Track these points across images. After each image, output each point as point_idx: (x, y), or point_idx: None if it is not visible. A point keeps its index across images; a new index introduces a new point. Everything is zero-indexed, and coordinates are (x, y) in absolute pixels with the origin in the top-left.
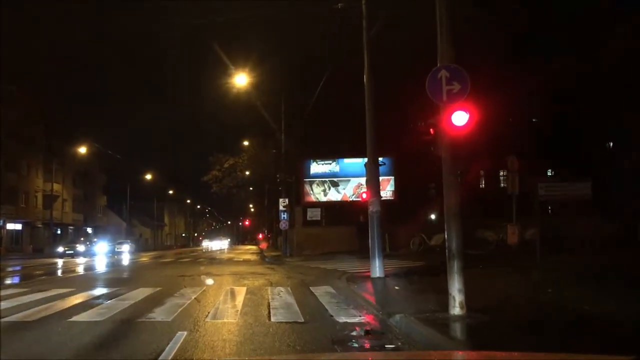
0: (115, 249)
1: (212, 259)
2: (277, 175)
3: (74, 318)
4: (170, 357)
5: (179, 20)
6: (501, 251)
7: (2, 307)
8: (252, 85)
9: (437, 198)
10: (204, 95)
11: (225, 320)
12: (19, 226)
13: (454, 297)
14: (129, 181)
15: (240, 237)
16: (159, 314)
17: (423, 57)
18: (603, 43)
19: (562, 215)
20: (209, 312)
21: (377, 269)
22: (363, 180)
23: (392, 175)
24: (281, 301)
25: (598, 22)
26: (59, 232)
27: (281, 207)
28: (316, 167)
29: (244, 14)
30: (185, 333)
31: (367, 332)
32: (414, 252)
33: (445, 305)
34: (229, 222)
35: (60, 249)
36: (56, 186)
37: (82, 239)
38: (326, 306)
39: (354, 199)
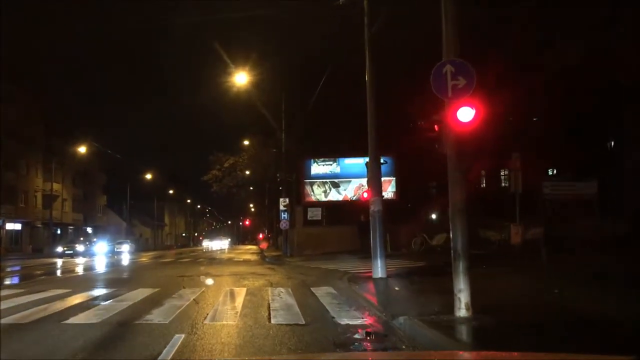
0: (115, 249)
1: (212, 259)
2: (278, 175)
3: (70, 320)
4: None
5: (179, 19)
6: (504, 251)
7: None
8: (252, 84)
9: (438, 198)
10: (204, 95)
11: (224, 322)
12: (18, 226)
13: (459, 299)
14: (129, 181)
15: (240, 237)
16: (156, 316)
17: (424, 56)
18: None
19: (563, 215)
20: (207, 314)
21: (379, 269)
22: (364, 181)
23: (394, 177)
24: (282, 302)
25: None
26: (58, 232)
27: (281, 207)
28: (317, 168)
29: (244, 13)
30: (183, 336)
31: (370, 335)
32: (416, 252)
33: (450, 306)
34: (229, 222)
35: (60, 249)
36: (56, 186)
37: (81, 238)
38: (327, 307)
39: (355, 199)
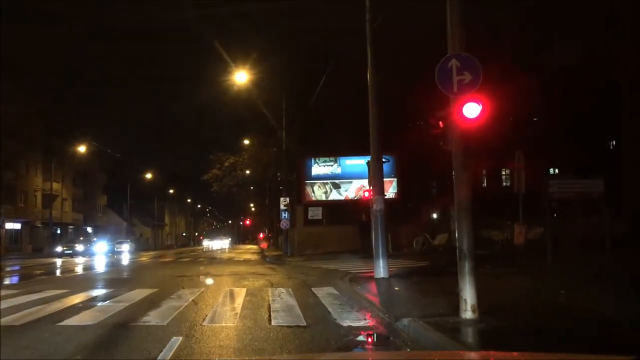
0: (115, 249)
1: (212, 259)
2: (278, 174)
3: (64, 322)
4: None
5: (179, 18)
6: (507, 251)
7: None
8: (252, 83)
9: (439, 197)
10: (204, 94)
11: (223, 324)
12: (18, 226)
13: (465, 300)
14: (129, 180)
15: (241, 237)
16: (154, 318)
17: (427, 54)
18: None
19: (566, 214)
20: (206, 315)
21: (381, 269)
22: (365, 182)
23: (395, 177)
24: (282, 303)
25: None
26: (58, 231)
27: (282, 206)
28: (317, 169)
29: (244, 12)
30: (181, 338)
31: (373, 337)
32: (417, 252)
33: (454, 307)
34: (230, 222)
35: (59, 249)
36: (55, 185)
37: (81, 238)
38: (329, 308)
39: (357, 199)
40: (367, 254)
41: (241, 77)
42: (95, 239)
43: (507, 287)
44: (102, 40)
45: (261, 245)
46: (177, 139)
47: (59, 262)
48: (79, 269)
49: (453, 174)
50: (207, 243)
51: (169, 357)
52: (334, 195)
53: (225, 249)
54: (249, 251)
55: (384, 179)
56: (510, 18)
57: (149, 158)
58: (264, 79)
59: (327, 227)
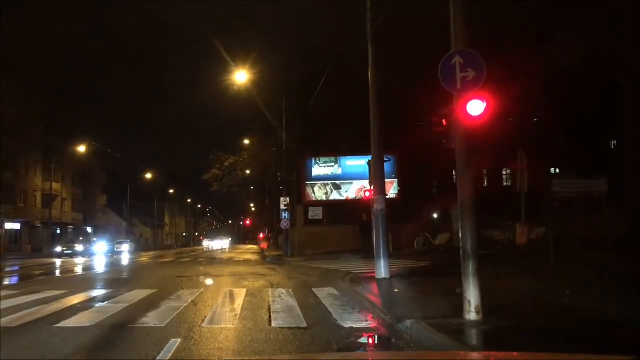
0: (115, 249)
1: (212, 259)
2: (278, 174)
3: (61, 324)
4: None
5: (179, 16)
6: (509, 251)
7: None
8: (252, 82)
9: (440, 197)
10: (204, 94)
11: (222, 325)
12: (17, 226)
13: (469, 301)
14: (129, 180)
15: (241, 237)
16: (152, 319)
17: (426, 55)
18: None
19: (567, 214)
20: (205, 317)
21: (382, 270)
22: (366, 183)
23: (396, 178)
24: (282, 304)
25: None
26: (58, 231)
27: (282, 206)
28: (318, 169)
29: (244, 10)
30: (179, 340)
31: (375, 339)
32: (419, 252)
33: (457, 308)
34: (230, 222)
35: (59, 249)
36: (55, 185)
37: (81, 238)
38: (330, 309)
39: (358, 199)
40: (368, 254)
41: (241, 76)
42: (95, 239)
43: (510, 287)
44: (102, 40)
45: (261, 246)
46: (177, 139)
47: (58, 262)
48: (78, 270)
49: (454, 173)
50: (207, 243)
51: (167, 359)
52: (335, 197)
53: (225, 249)
54: (249, 251)
55: (385, 180)
56: (512, 18)
57: (149, 158)
58: (264, 79)
59: (328, 227)
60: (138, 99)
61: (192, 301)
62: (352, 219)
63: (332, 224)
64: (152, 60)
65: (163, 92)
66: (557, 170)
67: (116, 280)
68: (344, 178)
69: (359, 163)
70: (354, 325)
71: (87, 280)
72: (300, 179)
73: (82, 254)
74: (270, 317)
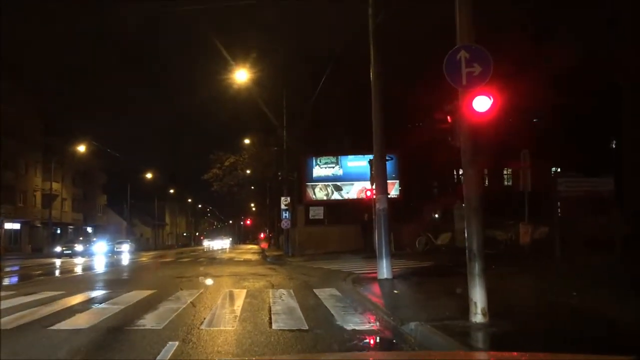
0: (115, 249)
1: (212, 259)
2: (279, 173)
3: (56, 326)
4: None
5: (178, 14)
6: (512, 251)
7: None
8: (253, 81)
9: (440, 197)
10: (204, 94)
11: (222, 327)
12: (17, 226)
13: (475, 303)
14: (130, 180)
15: (241, 237)
16: (149, 321)
17: (426, 55)
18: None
19: (570, 214)
20: (204, 318)
21: (384, 270)
22: (367, 184)
23: (397, 179)
24: (283, 305)
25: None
26: (58, 231)
27: (283, 206)
28: (319, 170)
29: (245, 8)
30: (177, 344)
31: (378, 342)
32: (420, 252)
33: (462, 310)
34: (231, 222)
35: (58, 249)
36: (55, 185)
37: (81, 238)
38: (332, 311)
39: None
40: (369, 254)
41: (241, 75)
42: (95, 239)
43: (516, 288)
44: (102, 40)
45: (262, 245)
46: (177, 139)
47: (57, 262)
48: (77, 270)
49: (454, 172)
50: (207, 243)
51: None
52: (336, 198)
53: (226, 249)
54: (249, 251)
55: (387, 181)
56: (510, 20)
57: (149, 157)
58: (265, 78)
59: (329, 226)
60: (138, 98)
61: (191, 302)
62: (353, 218)
63: (333, 223)
64: (152, 60)
65: (163, 92)
66: (558, 171)
67: (115, 280)
68: (345, 179)
69: (360, 164)
70: (357, 328)
71: (85, 281)
72: (301, 178)
73: (82, 254)
74: (270, 318)
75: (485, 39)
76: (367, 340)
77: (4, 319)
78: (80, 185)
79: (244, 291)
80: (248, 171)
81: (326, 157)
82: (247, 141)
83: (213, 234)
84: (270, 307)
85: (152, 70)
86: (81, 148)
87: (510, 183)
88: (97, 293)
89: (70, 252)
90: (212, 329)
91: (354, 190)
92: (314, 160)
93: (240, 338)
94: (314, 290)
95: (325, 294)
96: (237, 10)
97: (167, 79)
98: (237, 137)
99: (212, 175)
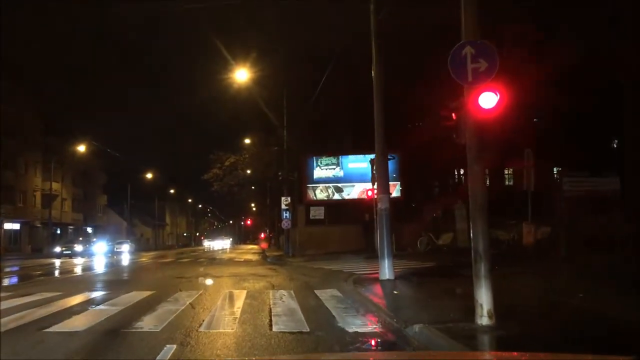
0: (115, 249)
1: (212, 259)
2: (279, 173)
3: (51, 328)
4: None
5: (178, 14)
6: (515, 251)
7: None
8: (253, 80)
9: (441, 197)
10: (204, 94)
11: (221, 330)
12: (17, 226)
13: (481, 305)
14: (130, 180)
15: (242, 237)
16: (147, 323)
17: (426, 55)
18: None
19: (570, 212)
20: (203, 320)
21: (386, 270)
22: (368, 185)
23: (398, 180)
24: (284, 307)
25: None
26: (58, 231)
27: (283, 206)
28: (319, 172)
29: (245, 7)
30: (174, 347)
31: (381, 345)
32: (422, 252)
33: (467, 311)
34: (231, 222)
35: (58, 249)
36: (55, 185)
37: (80, 238)
38: (333, 312)
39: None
40: (370, 254)
41: (241, 75)
42: (95, 239)
43: (520, 288)
44: (102, 40)
45: (261, 246)
46: (177, 139)
47: (56, 262)
48: (77, 270)
49: (455, 172)
50: (208, 243)
51: None
52: (336, 199)
53: (226, 249)
54: (250, 251)
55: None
56: (511, 17)
57: (149, 158)
58: (265, 77)
59: (330, 226)
60: (138, 98)
61: (190, 304)
62: (354, 218)
63: (334, 223)
64: (152, 60)
65: (163, 92)
66: (560, 170)
67: (114, 281)
68: (346, 180)
69: (360, 165)
70: (359, 330)
71: (83, 282)
72: (301, 178)
73: (82, 254)
74: (271, 320)
75: (486, 37)
76: (370, 343)
77: None
78: (80, 185)
79: (244, 292)
80: (248, 171)
81: (327, 158)
82: (247, 141)
83: (213, 234)
84: (270, 309)
85: (152, 70)
86: (81, 148)
87: (511, 183)
88: (95, 294)
89: (69, 252)
90: (211, 331)
91: (354, 192)
92: (314, 161)
93: (239, 341)
94: (315, 291)
95: (327, 295)
96: (237, 10)
97: (167, 79)
98: (237, 137)
99: (212, 175)
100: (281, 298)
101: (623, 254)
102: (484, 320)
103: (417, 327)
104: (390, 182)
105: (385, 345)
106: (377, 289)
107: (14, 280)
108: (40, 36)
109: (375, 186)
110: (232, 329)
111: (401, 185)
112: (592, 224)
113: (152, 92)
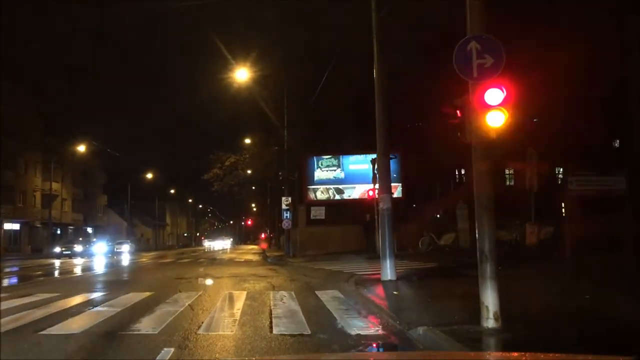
0: (115, 249)
1: (212, 260)
2: (280, 173)
3: (47, 330)
4: None
5: (178, 14)
6: (517, 252)
7: None
8: (253, 80)
9: (442, 197)
10: (204, 94)
11: (220, 332)
12: (16, 226)
13: (487, 307)
14: (130, 180)
15: (242, 237)
16: (145, 325)
17: (426, 55)
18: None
19: (573, 212)
20: (202, 322)
21: (388, 271)
22: (369, 186)
23: (400, 182)
24: (284, 308)
25: None
26: (58, 232)
27: (284, 206)
28: (320, 173)
29: (245, 6)
30: (172, 350)
31: (384, 348)
32: (423, 252)
33: (471, 313)
34: (231, 222)
35: (57, 249)
36: (55, 185)
37: (80, 239)
38: (335, 314)
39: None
40: (372, 255)
41: (242, 74)
42: (95, 239)
43: (525, 290)
44: (102, 40)
45: (262, 246)
46: (177, 139)
47: (56, 263)
48: (76, 271)
49: (456, 172)
50: (208, 243)
51: None
52: (337, 199)
53: (226, 249)
54: (250, 252)
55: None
56: (511, 15)
57: (149, 157)
58: (265, 77)
59: (330, 227)
60: (138, 98)
61: (189, 305)
62: (355, 218)
63: (334, 223)
64: (152, 60)
65: (163, 92)
66: (561, 171)
67: (112, 282)
68: (347, 182)
69: (361, 167)
70: (361, 332)
71: (82, 282)
72: (302, 178)
73: (81, 255)
74: (271, 322)
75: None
76: (373, 346)
77: None
78: (80, 185)
79: (244, 293)
80: (249, 171)
81: (328, 159)
82: (247, 141)
83: (214, 235)
84: (271, 310)
85: (152, 70)
86: (81, 148)
87: (512, 183)
88: (93, 295)
89: (69, 252)
90: (210, 333)
91: (355, 193)
92: (315, 162)
93: (239, 343)
94: (316, 292)
95: (328, 296)
96: (237, 9)
97: (167, 79)
98: (237, 137)
99: (212, 175)
100: (282, 299)
101: (630, 254)
102: (490, 322)
103: (420, 330)
104: (391, 184)
105: (388, 348)
106: (379, 289)
107: (14, 280)
108: (40, 36)
109: (376, 186)
110: (232, 331)
111: (402, 186)
112: (592, 224)
113: (152, 92)
